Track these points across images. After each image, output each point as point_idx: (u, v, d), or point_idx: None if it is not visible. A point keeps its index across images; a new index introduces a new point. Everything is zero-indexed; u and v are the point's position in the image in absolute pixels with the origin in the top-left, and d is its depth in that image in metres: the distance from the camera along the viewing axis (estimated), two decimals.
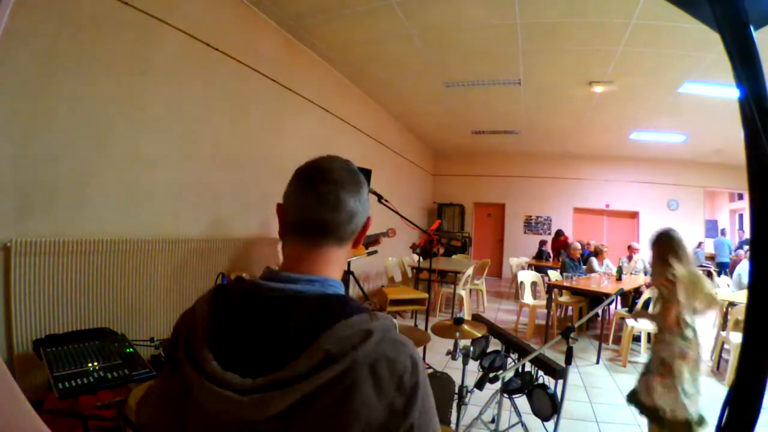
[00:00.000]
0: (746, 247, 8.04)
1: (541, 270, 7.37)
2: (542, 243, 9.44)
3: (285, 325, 0.59)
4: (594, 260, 6.65)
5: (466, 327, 2.29)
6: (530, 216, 11.08)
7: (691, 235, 9.95)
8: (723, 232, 9.83)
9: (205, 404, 0.58)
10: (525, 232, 11.04)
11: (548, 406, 2.24)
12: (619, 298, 5.69)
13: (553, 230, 10.02)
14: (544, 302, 5.53)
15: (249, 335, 0.60)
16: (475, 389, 2.06)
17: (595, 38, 4.17)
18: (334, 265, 0.69)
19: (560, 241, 9.26)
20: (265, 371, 0.56)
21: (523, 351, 2.57)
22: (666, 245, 2.12)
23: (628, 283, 5.62)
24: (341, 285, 0.68)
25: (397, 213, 3.10)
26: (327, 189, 0.66)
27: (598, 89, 5.46)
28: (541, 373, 2.42)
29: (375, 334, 0.58)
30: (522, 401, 2.49)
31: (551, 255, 9.21)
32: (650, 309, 3.66)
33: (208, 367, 0.57)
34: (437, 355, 3.90)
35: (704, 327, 5.65)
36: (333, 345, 0.55)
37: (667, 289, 2.06)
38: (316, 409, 0.54)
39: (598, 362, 4.43)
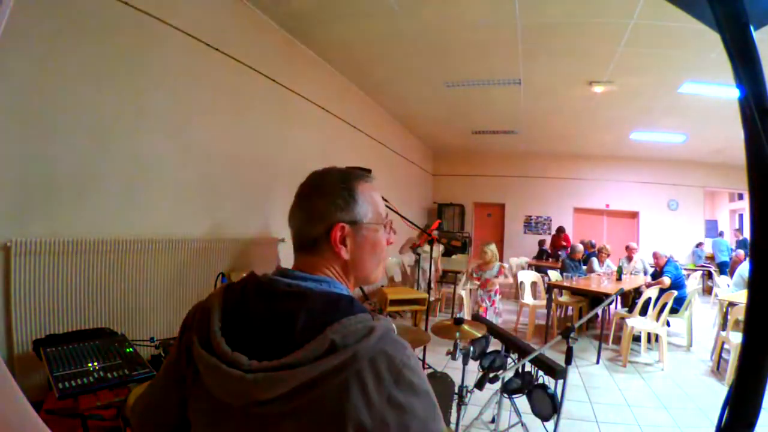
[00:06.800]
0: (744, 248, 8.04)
1: (541, 270, 7.37)
2: (542, 243, 9.42)
3: (295, 317, 0.63)
4: (594, 260, 6.66)
5: (466, 327, 2.29)
6: (530, 216, 11.09)
7: (691, 235, 9.97)
8: (721, 234, 9.82)
9: (211, 383, 0.63)
10: (525, 232, 11.04)
11: (548, 406, 2.24)
12: (619, 298, 5.69)
13: (553, 230, 9.99)
14: (544, 302, 5.52)
15: (261, 323, 0.65)
16: (475, 389, 2.06)
17: (595, 38, 4.17)
18: (330, 269, 0.74)
19: (561, 238, 9.20)
20: (273, 356, 0.60)
21: (523, 351, 2.56)
22: None
23: (628, 283, 5.62)
24: (347, 288, 0.74)
25: (397, 213, 3.10)
26: (291, 214, 0.77)
27: (598, 89, 5.46)
28: (541, 373, 2.42)
29: (377, 332, 0.61)
30: (522, 401, 2.48)
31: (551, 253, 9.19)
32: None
33: (219, 348, 0.63)
34: (437, 355, 3.90)
35: (704, 327, 5.67)
36: (338, 337, 0.59)
37: None
38: (316, 394, 0.58)
39: (598, 362, 4.42)
